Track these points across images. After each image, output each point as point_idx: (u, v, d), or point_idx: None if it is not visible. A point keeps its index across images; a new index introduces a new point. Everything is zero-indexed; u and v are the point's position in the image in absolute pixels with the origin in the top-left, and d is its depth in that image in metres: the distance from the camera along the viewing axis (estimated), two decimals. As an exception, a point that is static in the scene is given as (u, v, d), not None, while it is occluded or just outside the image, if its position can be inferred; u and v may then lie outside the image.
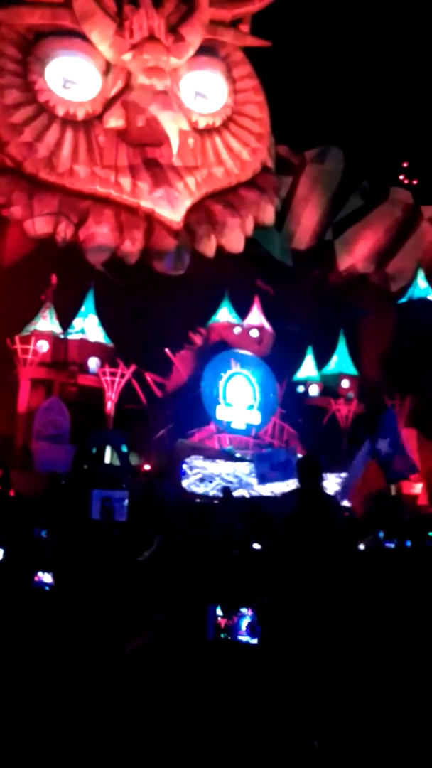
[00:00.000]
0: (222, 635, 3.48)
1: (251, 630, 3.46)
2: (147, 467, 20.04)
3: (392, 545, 9.81)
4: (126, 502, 10.94)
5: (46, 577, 6.21)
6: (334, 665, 3.54)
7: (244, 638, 3.48)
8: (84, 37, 23.41)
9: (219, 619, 3.50)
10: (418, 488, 22.98)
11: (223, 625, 3.49)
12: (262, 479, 14.59)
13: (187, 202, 23.64)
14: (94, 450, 20.02)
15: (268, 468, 14.04)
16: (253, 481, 18.94)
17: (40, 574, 6.24)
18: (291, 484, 14.74)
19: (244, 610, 3.50)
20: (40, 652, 4.66)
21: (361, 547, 10.49)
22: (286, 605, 3.64)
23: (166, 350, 21.94)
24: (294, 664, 3.28)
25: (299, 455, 16.78)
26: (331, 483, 19.61)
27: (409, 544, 9.86)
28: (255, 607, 3.48)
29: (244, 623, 3.47)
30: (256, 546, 10.01)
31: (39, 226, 22.15)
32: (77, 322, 22.05)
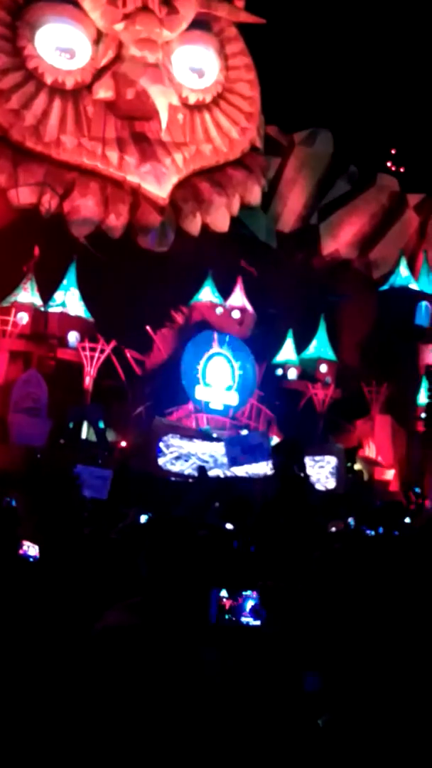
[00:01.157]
0: (227, 616, 3.57)
1: (255, 613, 3.55)
2: (123, 444, 20.09)
3: (371, 532, 10.00)
4: (108, 480, 10.96)
5: (32, 550, 6.24)
6: (333, 644, 3.65)
7: (247, 620, 3.57)
8: (76, 4, 22.92)
9: (224, 600, 3.58)
10: (389, 474, 23.33)
11: (227, 607, 3.58)
12: (233, 462, 14.70)
13: (174, 179, 23.44)
14: (71, 425, 20.01)
15: (239, 451, 14.13)
16: (228, 461, 19.08)
17: (25, 546, 6.27)
18: (264, 466, 14.88)
19: (248, 592, 3.58)
20: (15, 623, 4.71)
21: (333, 529, 10.68)
22: (290, 589, 3.73)
23: (147, 328, 21.90)
24: (297, 644, 3.37)
25: (273, 438, 16.93)
26: (306, 466, 19.81)
27: (381, 530, 10.05)
28: (259, 591, 3.56)
29: (249, 605, 3.55)
30: (229, 526, 10.13)
31: (23, 195, 21.84)
32: (58, 295, 21.90)
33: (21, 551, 6.11)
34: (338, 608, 4.28)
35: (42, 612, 4.81)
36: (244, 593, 3.55)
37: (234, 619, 3.53)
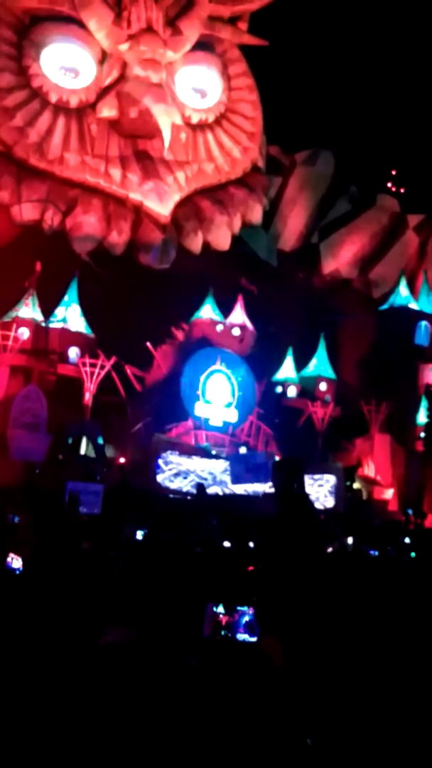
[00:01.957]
0: (222, 632, 3.55)
1: (249, 629, 3.53)
2: (122, 460, 20.06)
3: (375, 552, 10.00)
4: (101, 494, 10.98)
5: (16, 562, 6.26)
6: (327, 665, 3.64)
7: (243, 636, 3.55)
8: (81, 25, 23.23)
9: (220, 616, 3.56)
10: (389, 494, 23.28)
11: (224, 623, 3.56)
12: (237, 480, 14.69)
13: (176, 197, 23.62)
14: (70, 440, 19.99)
15: (243, 469, 14.15)
16: (228, 479, 19.04)
17: (9, 558, 6.29)
18: (266, 486, 14.87)
19: (243, 608, 3.57)
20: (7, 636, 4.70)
21: (329, 550, 10.67)
22: (283, 605, 3.72)
23: (148, 344, 21.95)
24: (291, 664, 3.36)
25: (276, 458, 16.91)
26: (305, 484, 19.77)
27: (376, 552, 10.04)
28: (254, 607, 3.55)
29: (244, 621, 3.54)
30: (226, 544, 10.12)
31: (26, 212, 21.98)
32: (59, 311, 21.98)
33: (6, 563, 6.14)
34: (336, 626, 4.28)
35: (31, 625, 4.79)
36: (239, 608, 3.54)
37: (230, 635, 3.52)
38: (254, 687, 3.09)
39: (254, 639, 3.51)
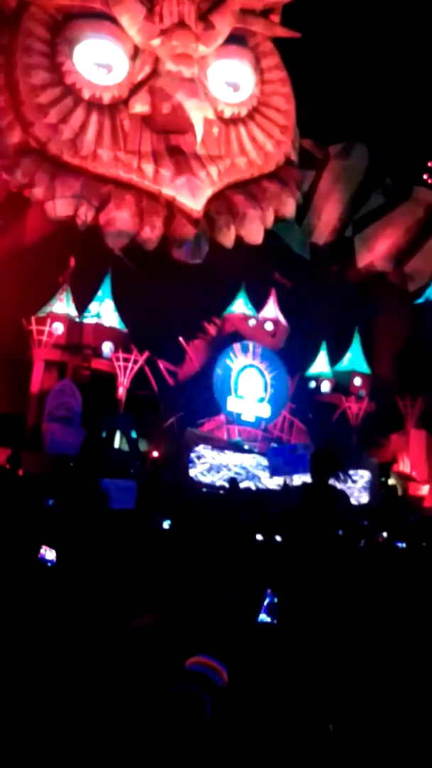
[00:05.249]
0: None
1: (270, 611, 3.52)
2: (155, 454, 20.15)
3: (403, 545, 9.89)
4: (134, 490, 10.94)
5: (49, 554, 6.30)
6: (345, 650, 3.59)
7: (264, 618, 3.54)
8: (113, 21, 23.29)
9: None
10: (424, 490, 22.98)
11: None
12: (275, 472, 14.65)
13: (209, 191, 23.56)
14: (104, 434, 20.15)
15: (281, 461, 14.09)
16: (260, 473, 19.00)
17: (43, 549, 6.33)
18: (303, 478, 14.79)
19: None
20: (41, 627, 4.72)
21: (362, 543, 10.59)
22: (304, 589, 3.69)
23: (180, 339, 21.99)
24: (310, 646, 3.33)
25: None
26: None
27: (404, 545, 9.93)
28: (275, 590, 3.53)
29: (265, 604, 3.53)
30: (259, 537, 10.11)
31: (60, 208, 22.14)
32: (93, 306, 22.14)
33: (40, 554, 6.15)
34: (358, 615, 4.22)
35: (62, 615, 4.81)
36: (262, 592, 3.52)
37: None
38: (274, 670, 3.06)
39: (273, 621, 3.49)
